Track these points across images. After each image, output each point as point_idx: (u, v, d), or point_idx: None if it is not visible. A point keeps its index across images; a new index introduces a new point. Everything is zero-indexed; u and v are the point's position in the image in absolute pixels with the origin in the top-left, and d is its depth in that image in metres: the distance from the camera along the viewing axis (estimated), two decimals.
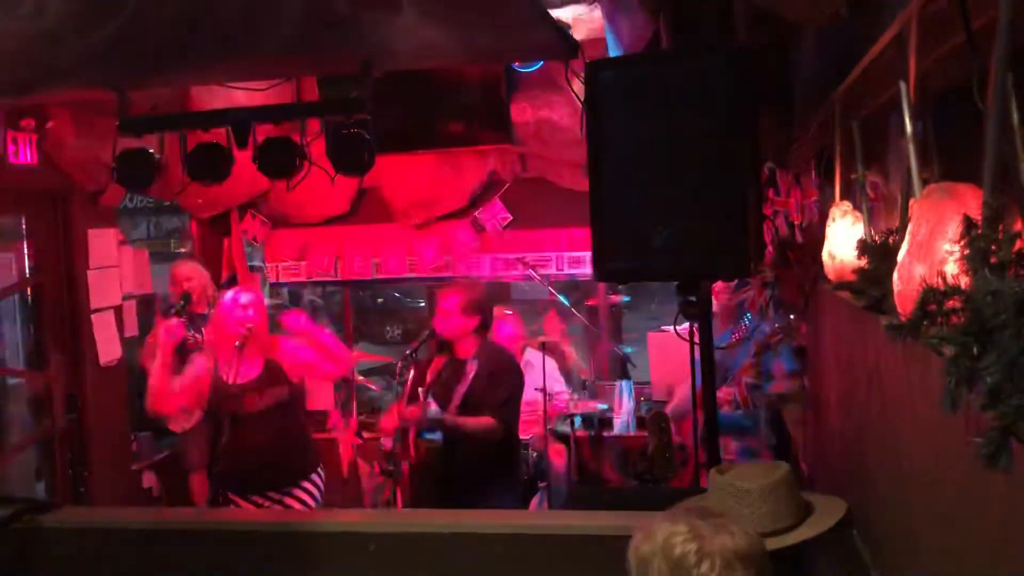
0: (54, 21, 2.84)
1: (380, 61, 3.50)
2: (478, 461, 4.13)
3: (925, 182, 1.59)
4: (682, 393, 4.82)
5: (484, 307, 4.30)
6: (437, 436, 4.19)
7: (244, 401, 4.09)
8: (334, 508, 4.60)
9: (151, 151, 3.76)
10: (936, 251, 1.24)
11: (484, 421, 4.06)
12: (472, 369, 4.09)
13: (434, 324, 4.35)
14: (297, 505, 4.20)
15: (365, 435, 5.86)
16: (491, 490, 4.14)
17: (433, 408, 4.14)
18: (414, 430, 4.24)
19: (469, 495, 4.05)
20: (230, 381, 4.02)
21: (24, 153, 4.65)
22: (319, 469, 4.38)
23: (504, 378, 4.17)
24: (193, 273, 5.56)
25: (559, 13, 3.84)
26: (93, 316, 5.26)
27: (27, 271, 5.38)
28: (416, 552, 2.90)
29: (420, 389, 4.22)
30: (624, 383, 5.86)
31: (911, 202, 1.57)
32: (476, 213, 6.15)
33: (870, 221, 2.22)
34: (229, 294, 4.28)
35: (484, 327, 4.29)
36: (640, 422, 5.47)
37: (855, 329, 2.24)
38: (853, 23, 2.14)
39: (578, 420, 5.48)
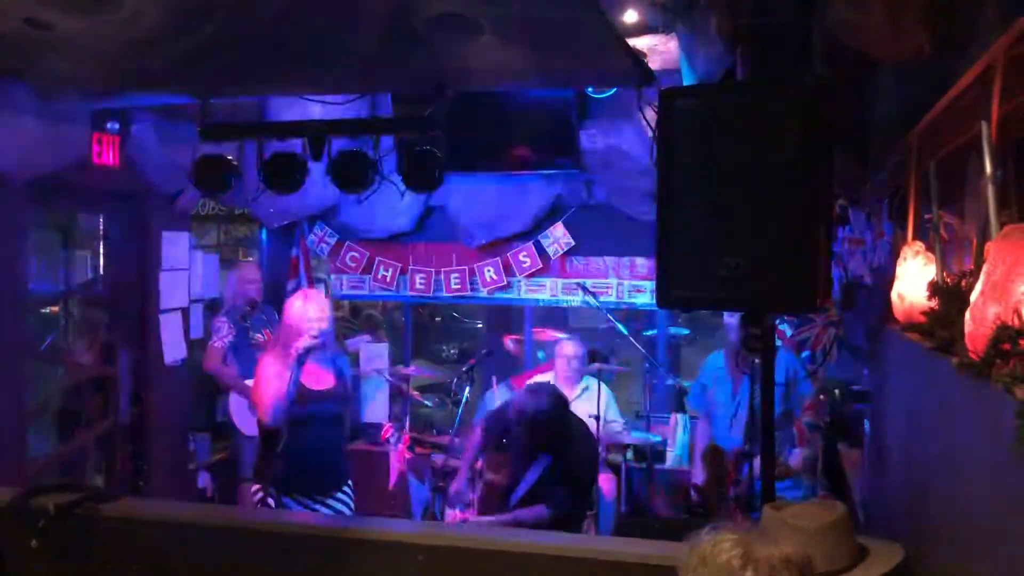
0: (148, 28, 2.96)
1: (456, 80, 3.56)
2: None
3: (1003, 224, 1.56)
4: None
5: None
6: None
7: (320, 406, 4.11)
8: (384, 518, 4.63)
9: (229, 158, 3.88)
10: (1012, 292, 1.23)
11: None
12: None
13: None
14: (341, 509, 4.23)
15: (417, 449, 5.89)
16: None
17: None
18: None
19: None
20: (311, 387, 4.09)
21: (107, 154, 4.80)
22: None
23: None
24: (257, 276, 5.69)
25: (635, 42, 3.86)
26: (161, 316, 5.40)
27: (101, 269, 5.56)
28: (463, 566, 2.91)
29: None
30: (680, 416, 5.80)
31: (987, 243, 1.54)
32: (539, 237, 6.18)
33: (942, 263, 2.18)
34: (299, 303, 4.14)
35: None
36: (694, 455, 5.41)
37: (921, 372, 2.19)
38: (933, 62, 2.12)
39: (630, 451, 5.42)
